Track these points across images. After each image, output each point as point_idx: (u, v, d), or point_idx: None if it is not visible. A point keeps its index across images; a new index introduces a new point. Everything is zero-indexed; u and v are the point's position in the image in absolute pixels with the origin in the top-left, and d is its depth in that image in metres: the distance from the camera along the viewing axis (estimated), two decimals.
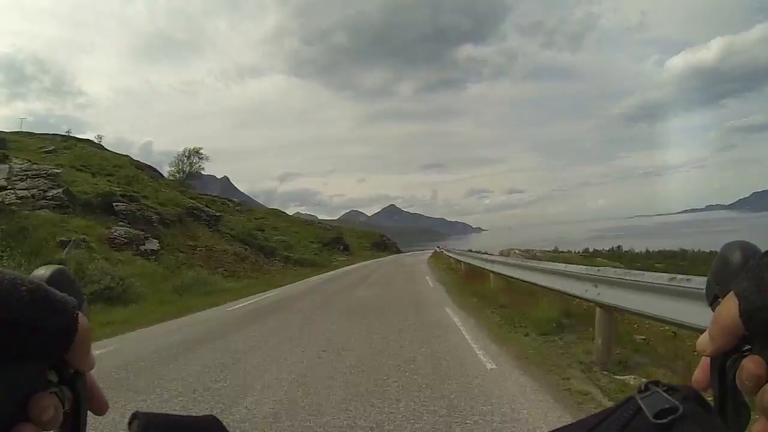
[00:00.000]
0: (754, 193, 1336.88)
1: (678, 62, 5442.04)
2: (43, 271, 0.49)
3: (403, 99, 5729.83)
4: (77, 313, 0.48)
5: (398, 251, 75.29)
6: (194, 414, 0.53)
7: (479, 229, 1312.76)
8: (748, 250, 0.49)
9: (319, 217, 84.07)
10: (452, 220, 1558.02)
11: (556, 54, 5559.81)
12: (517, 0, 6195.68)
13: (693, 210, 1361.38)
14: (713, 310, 0.49)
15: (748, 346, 0.49)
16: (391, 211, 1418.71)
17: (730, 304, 0.48)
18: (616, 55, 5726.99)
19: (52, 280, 0.49)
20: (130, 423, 0.49)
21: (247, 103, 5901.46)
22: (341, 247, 44.46)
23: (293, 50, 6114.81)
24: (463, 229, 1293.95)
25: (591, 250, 57.03)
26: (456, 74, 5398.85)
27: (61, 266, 0.50)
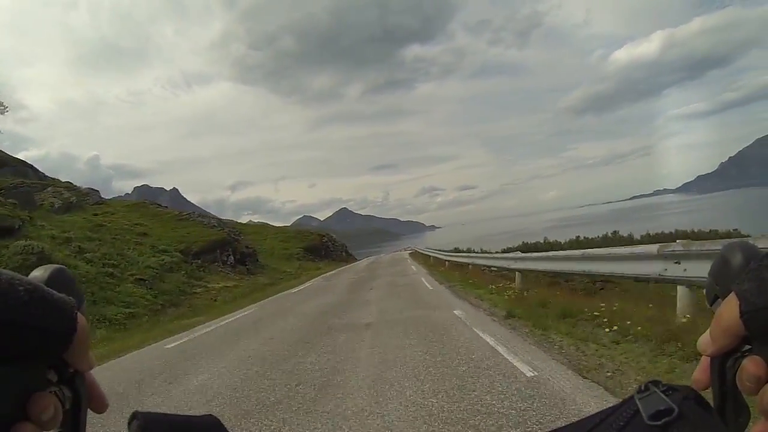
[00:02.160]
0: (698, 176, 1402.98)
1: (621, 55, 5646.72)
2: (41, 272, 0.49)
3: (351, 101, 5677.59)
4: (76, 313, 0.49)
5: (350, 258, 56.22)
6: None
7: (433, 227, 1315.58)
8: (748, 250, 0.49)
9: (272, 225, 64.27)
10: (405, 219, 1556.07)
11: (503, 51, 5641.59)
12: None
13: (642, 196, 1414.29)
14: (714, 310, 0.49)
15: (748, 346, 0.49)
16: (344, 214, 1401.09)
17: (731, 305, 0.49)
18: (562, 51, 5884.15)
19: (51, 280, 0.49)
20: (129, 423, 0.49)
21: (195, 112, 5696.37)
22: (232, 257, 26.65)
23: (240, 56, 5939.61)
24: (417, 227, 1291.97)
25: (581, 238, 47.60)
26: (404, 74, 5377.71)
27: (60, 266, 0.50)
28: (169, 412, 0.50)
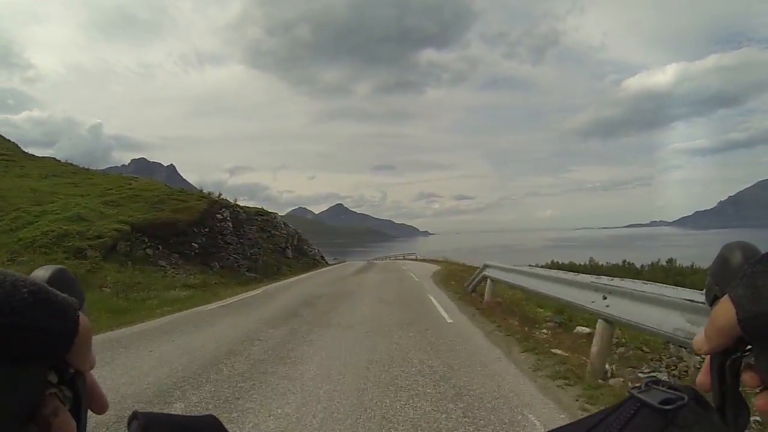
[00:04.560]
0: (696, 212, 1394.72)
1: (634, 83, 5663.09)
2: (43, 272, 0.49)
3: (359, 98, 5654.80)
4: (78, 314, 0.48)
5: (300, 264, 27.14)
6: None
7: (427, 233, 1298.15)
8: (747, 251, 0.49)
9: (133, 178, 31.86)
10: (399, 222, 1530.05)
11: (517, 65, 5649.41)
12: (485, 9, 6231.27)
13: (638, 225, 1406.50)
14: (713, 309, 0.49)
15: (749, 346, 0.49)
16: (339, 210, 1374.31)
17: (726, 307, 0.49)
18: (575, 72, 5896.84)
19: (52, 280, 0.48)
20: (129, 423, 0.49)
21: (203, 91, 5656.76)
22: None
23: (255, 40, 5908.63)
24: (411, 231, 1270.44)
25: (606, 263, 34.51)
26: (415, 77, 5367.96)
27: (61, 267, 0.49)
28: (169, 413, 0.49)
